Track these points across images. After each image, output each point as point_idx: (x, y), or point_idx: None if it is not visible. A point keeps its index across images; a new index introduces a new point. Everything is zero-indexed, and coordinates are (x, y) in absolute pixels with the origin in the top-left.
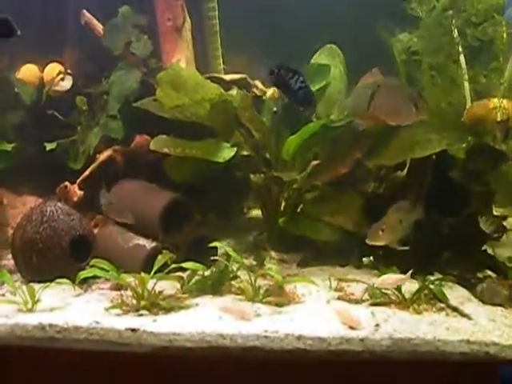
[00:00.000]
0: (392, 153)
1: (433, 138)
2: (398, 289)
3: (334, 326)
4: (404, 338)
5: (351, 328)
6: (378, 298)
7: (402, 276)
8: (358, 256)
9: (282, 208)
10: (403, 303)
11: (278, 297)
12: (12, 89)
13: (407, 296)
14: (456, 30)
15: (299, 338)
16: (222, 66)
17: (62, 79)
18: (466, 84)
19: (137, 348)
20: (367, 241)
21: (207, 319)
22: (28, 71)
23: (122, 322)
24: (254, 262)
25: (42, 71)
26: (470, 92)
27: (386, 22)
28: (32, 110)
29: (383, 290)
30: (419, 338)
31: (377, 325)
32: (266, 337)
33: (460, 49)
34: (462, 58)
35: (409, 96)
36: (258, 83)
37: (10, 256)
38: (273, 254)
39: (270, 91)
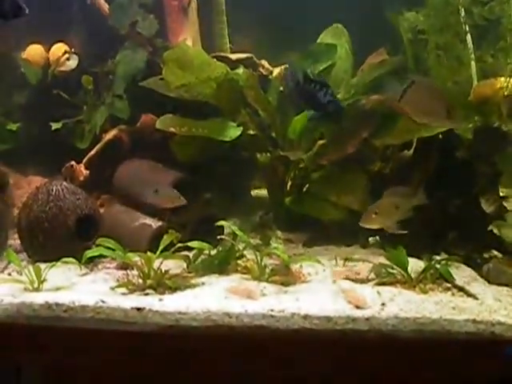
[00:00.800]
0: (399, 132)
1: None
2: (404, 268)
3: (340, 305)
4: (410, 317)
5: (357, 307)
6: (384, 278)
7: None
8: (364, 236)
9: (288, 188)
10: (409, 283)
11: (284, 276)
12: (18, 69)
13: (413, 275)
14: (463, 9)
15: (305, 317)
16: (228, 46)
17: (68, 59)
18: (473, 63)
19: (142, 327)
20: (360, 223)
21: (213, 298)
22: (34, 51)
23: (128, 301)
24: (260, 242)
25: (48, 51)
26: (477, 71)
27: (392, 1)
28: (38, 90)
29: (389, 270)
30: (425, 317)
31: (383, 304)
32: (272, 316)
33: (467, 28)
34: (468, 37)
35: (443, 100)
36: (264, 62)
37: (16, 236)
38: (279, 233)
39: (277, 70)
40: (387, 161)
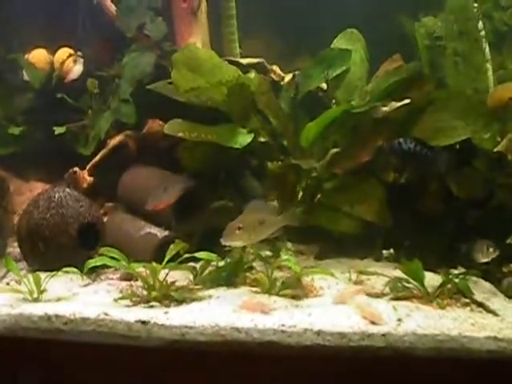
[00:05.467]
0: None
1: (457, 125)
2: (421, 282)
3: (354, 320)
4: (428, 333)
5: (372, 323)
6: (400, 292)
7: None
8: (378, 248)
9: (299, 197)
10: (426, 297)
11: (296, 289)
12: (21, 72)
13: (430, 290)
14: (482, 15)
15: (318, 333)
16: (238, 51)
17: (74, 62)
18: (490, 70)
19: (147, 341)
20: (222, 240)
21: (221, 312)
22: (38, 56)
23: (132, 314)
24: (270, 253)
25: (53, 55)
26: (497, 78)
27: (408, 6)
28: (41, 94)
29: (405, 284)
30: (444, 333)
31: (399, 319)
32: (283, 331)
33: (484, 34)
34: (485, 43)
35: None
36: (275, 68)
37: (15, 244)
38: (289, 245)
39: (288, 76)
40: (400, 171)
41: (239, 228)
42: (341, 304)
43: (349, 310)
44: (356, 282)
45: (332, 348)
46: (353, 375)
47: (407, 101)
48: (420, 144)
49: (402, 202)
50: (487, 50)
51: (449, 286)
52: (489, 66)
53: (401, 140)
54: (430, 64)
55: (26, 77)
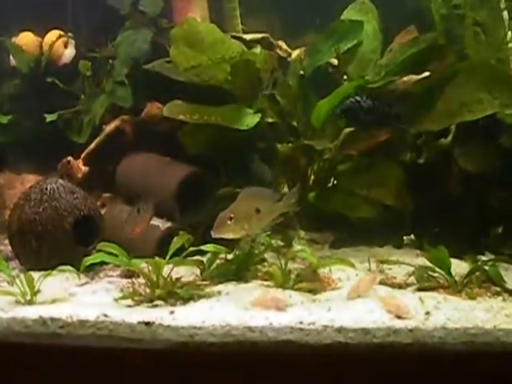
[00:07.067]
0: (437, 116)
1: (483, 98)
2: (447, 270)
3: (378, 315)
4: (460, 327)
5: (398, 317)
6: (426, 282)
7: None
8: (398, 234)
9: (311, 181)
10: (453, 287)
11: (312, 282)
12: (8, 57)
13: (457, 279)
14: None
15: (339, 329)
16: (240, 27)
17: (65, 46)
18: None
19: (151, 344)
20: (212, 233)
21: (232, 309)
22: (26, 39)
23: (135, 315)
24: (281, 243)
25: (42, 39)
26: None
27: None
28: (30, 79)
29: (430, 273)
30: (477, 327)
31: (427, 313)
32: (301, 329)
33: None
34: (505, 12)
35: None
36: (281, 43)
37: (6, 241)
38: (302, 233)
39: (296, 52)
40: (419, 150)
41: (231, 218)
42: (356, 297)
43: (371, 303)
44: (376, 272)
45: (355, 346)
46: (377, 375)
47: (427, 73)
48: (373, 98)
49: (422, 184)
50: (506, 17)
51: (477, 273)
52: (511, 35)
53: (357, 98)
54: (446, 35)
55: (13, 61)
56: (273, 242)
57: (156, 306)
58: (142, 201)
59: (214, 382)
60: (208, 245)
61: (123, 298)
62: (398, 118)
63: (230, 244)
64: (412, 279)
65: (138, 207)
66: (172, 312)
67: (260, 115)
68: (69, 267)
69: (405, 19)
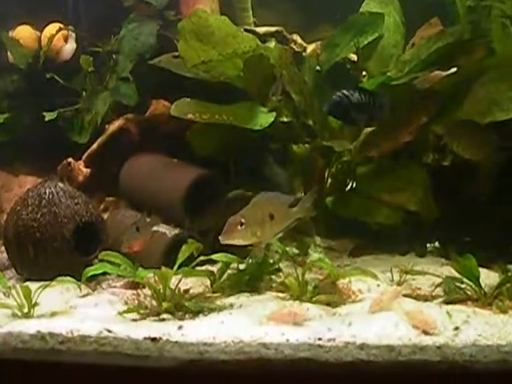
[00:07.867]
0: (466, 116)
1: None
2: (476, 281)
3: (403, 330)
4: (492, 344)
5: (425, 333)
6: (453, 294)
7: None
8: (421, 242)
9: (328, 185)
10: (482, 299)
11: (331, 294)
12: (5, 52)
13: (486, 290)
14: None
15: (361, 346)
16: (251, 20)
17: (66, 40)
18: None
19: (158, 362)
20: (220, 239)
21: (245, 324)
22: (23, 33)
23: (140, 330)
24: (297, 251)
25: (40, 32)
26: None
27: None
28: (28, 75)
29: (457, 284)
30: (511, 344)
31: (456, 328)
32: (320, 346)
33: None
34: None
35: None
36: (296, 37)
37: (3, 248)
38: (318, 240)
39: (311, 47)
40: (441, 152)
41: (241, 223)
42: (378, 311)
43: (395, 317)
44: (399, 283)
45: (378, 364)
46: None
47: (454, 69)
48: (363, 91)
49: (447, 188)
50: None
51: (508, 284)
52: None
53: (345, 92)
54: (472, 28)
55: (10, 57)
56: (287, 249)
57: (163, 320)
58: (141, 217)
59: None
60: (219, 254)
61: (128, 311)
62: (381, 108)
63: (242, 252)
64: (438, 291)
65: (137, 225)
66: (180, 327)
67: (274, 114)
68: (69, 278)
69: (427, 11)
